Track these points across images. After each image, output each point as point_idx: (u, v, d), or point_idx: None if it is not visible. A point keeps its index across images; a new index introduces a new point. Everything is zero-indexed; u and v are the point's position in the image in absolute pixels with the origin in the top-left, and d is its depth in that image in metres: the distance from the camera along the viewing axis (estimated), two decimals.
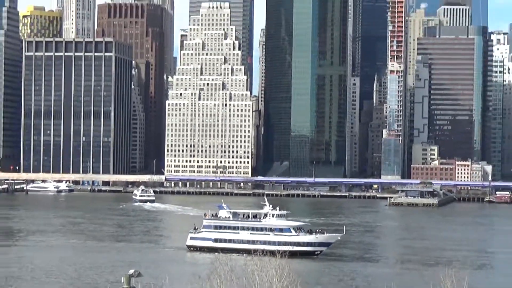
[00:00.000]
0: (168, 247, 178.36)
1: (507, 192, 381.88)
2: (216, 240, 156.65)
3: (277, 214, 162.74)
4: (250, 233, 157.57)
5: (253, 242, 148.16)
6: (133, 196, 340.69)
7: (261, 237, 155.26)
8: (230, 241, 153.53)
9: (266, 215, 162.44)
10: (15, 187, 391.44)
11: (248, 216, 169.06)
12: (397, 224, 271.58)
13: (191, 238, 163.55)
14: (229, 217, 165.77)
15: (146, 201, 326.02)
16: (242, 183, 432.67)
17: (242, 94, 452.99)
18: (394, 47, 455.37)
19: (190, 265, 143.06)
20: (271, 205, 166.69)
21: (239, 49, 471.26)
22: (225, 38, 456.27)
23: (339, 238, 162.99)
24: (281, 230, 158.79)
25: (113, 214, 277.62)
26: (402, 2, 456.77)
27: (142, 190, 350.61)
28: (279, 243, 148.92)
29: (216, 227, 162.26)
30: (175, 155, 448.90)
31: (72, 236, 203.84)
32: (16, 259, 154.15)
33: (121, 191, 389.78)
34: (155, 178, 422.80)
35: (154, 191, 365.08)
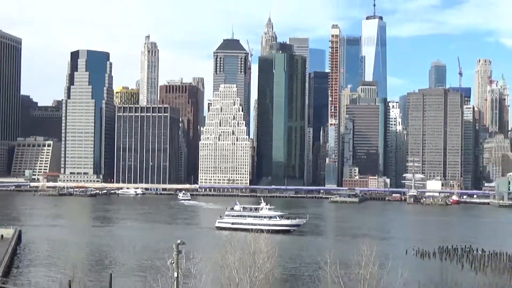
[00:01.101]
0: (203, 227, 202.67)
1: (398, 194, 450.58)
2: (232, 223, 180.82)
3: (268, 208, 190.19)
4: (253, 219, 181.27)
5: (254, 224, 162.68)
6: (178, 197, 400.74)
7: (259, 221, 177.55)
8: (240, 223, 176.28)
9: (262, 208, 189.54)
10: (111, 192, 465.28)
11: (252, 209, 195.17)
12: (334, 214, 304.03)
13: (218, 222, 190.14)
14: (240, 209, 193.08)
15: (184, 200, 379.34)
16: (243, 189, 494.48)
17: (243, 138, 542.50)
18: (332, 110, 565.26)
19: (217, 238, 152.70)
20: (265, 203, 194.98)
21: (242, 111, 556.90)
22: (234, 105, 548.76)
23: (304, 222, 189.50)
24: (270, 217, 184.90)
25: (167, 207, 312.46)
26: (337, 83, 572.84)
27: (183, 193, 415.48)
28: (270, 225, 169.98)
29: (232, 215, 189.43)
30: (204, 173, 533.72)
31: (142, 220, 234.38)
32: (111, 235, 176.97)
33: (172, 194, 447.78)
34: (193, 186, 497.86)
35: (191, 194, 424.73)
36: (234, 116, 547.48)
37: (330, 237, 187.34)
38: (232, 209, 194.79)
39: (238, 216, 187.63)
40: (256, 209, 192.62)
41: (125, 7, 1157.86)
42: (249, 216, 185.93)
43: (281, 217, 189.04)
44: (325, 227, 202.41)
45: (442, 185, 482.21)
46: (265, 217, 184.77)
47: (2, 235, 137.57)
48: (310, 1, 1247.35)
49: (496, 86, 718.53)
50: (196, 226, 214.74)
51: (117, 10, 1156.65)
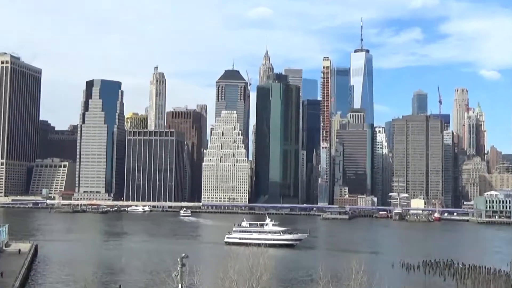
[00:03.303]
0: (211, 242, 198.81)
1: (385, 212, 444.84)
2: (240, 238, 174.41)
3: (272, 224, 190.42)
4: (258, 234, 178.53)
5: (260, 239, 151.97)
6: (180, 213, 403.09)
7: (264, 236, 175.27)
8: (247, 238, 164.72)
9: (267, 224, 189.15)
10: (121, 209, 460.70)
11: (257, 225, 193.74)
12: (326, 229, 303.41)
13: (227, 238, 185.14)
14: (247, 225, 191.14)
15: (185, 216, 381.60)
16: (242, 207, 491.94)
17: (243, 160, 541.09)
18: (324, 134, 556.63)
19: (225, 252, 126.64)
20: (269, 219, 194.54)
21: (241, 135, 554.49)
22: (234, 130, 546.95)
23: (306, 236, 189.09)
24: (275, 232, 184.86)
25: (170, 223, 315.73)
26: (328, 110, 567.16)
27: (184, 210, 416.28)
28: (274, 240, 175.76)
29: (240, 231, 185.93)
30: (207, 192, 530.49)
31: (149, 234, 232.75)
32: (119, 248, 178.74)
33: (177, 211, 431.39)
34: (196, 204, 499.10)
35: (193, 211, 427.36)
36: (234, 140, 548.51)
37: (322, 251, 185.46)
38: (239, 225, 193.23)
39: (245, 231, 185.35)
40: (261, 225, 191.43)
41: (136, 43, 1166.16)
42: (255, 232, 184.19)
43: (284, 232, 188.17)
44: (317, 242, 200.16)
45: (425, 204, 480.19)
46: (269, 233, 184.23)
47: (19, 250, 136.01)
48: (303, 36, 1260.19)
49: (473, 113, 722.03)
50: (199, 241, 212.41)
51: (129, 46, 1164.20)
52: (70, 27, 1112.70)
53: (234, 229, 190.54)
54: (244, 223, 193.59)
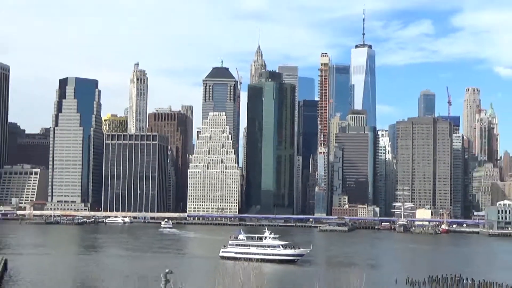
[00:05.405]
0: (204, 257, 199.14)
1: (388, 223, 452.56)
2: (236, 253, 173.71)
3: (272, 237, 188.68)
4: (256, 248, 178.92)
5: (258, 254, 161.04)
6: (161, 225, 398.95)
7: (263, 250, 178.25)
8: (244, 253, 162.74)
9: (266, 237, 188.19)
10: (98, 220, 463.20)
11: (255, 238, 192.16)
12: (324, 242, 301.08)
13: (222, 252, 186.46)
14: (244, 238, 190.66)
15: (166, 227, 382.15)
16: (232, 218, 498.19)
17: (233, 166, 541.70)
18: (322, 138, 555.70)
19: (219, 267, 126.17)
20: (269, 231, 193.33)
21: (231, 139, 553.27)
22: (223, 133, 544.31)
23: (308, 251, 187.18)
24: (274, 246, 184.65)
25: (151, 236, 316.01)
26: (326, 112, 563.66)
27: (165, 221, 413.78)
28: (274, 255, 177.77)
29: (236, 245, 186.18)
30: (193, 201, 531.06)
31: (128, 248, 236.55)
32: (96, 262, 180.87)
33: (160, 223, 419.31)
34: (181, 215, 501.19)
35: (178, 222, 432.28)
36: (223, 144, 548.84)
37: (321, 265, 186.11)
38: (236, 238, 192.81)
39: (242, 245, 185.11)
40: (260, 238, 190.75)
41: (114, 35, 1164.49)
42: (252, 246, 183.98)
43: (285, 246, 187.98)
44: (315, 256, 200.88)
45: (432, 214, 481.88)
46: (269, 247, 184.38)
47: None
48: (299, 29, 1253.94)
49: (485, 115, 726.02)
50: (184, 256, 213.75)
51: (106, 38, 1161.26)
52: (40, 17, 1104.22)
53: (230, 242, 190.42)
54: (241, 236, 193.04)
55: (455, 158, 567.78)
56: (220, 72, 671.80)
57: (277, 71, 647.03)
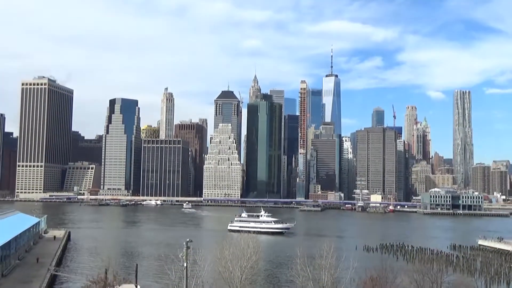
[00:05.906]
0: (215, 230, 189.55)
1: (350, 205, 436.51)
2: (240, 227, 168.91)
3: (266, 215, 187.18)
4: (255, 223, 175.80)
5: (255, 227, 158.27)
6: (183, 206, 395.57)
7: (259, 225, 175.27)
8: (246, 227, 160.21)
9: (262, 216, 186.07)
10: (137, 202, 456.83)
11: (254, 216, 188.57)
12: (303, 219, 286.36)
13: (229, 226, 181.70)
14: (246, 216, 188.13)
15: (187, 208, 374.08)
16: (236, 201, 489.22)
17: (236, 163, 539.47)
18: (301, 143, 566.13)
19: (227, 237, 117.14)
20: (264, 211, 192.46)
21: (235, 143, 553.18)
22: (229, 139, 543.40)
23: (293, 225, 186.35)
24: (268, 222, 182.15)
25: (176, 214, 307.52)
26: (305, 123, 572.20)
27: (186, 203, 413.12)
28: (268, 228, 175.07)
29: (240, 221, 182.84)
30: (207, 189, 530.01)
31: (159, 223, 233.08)
32: (137, 234, 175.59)
33: (182, 205, 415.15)
34: (199, 199, 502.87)
35: (196, 204, 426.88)
36: (229, 147, 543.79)
37: (300, 236, 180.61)
38: (240, 216, 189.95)
39: (244, 221, 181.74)
40: (257, 216, 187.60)
41: (151, 67, 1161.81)
42: (252, 221, 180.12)
43: (276, 222, 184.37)
44: (297, 229, 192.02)
45: (382, 198, 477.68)
46: (264, 222, 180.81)
47: (55, 236, 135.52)
48: (285, 63, 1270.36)
49: (421, 126, 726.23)
50: (202, 229, 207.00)
51: (145, 69, 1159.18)
52: (99, 54, 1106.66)
53: (235, 219, 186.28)
54: (243, 214, 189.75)
55: (398, 157, 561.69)
56: (227, 94, 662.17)
57: (269, 93, 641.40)
